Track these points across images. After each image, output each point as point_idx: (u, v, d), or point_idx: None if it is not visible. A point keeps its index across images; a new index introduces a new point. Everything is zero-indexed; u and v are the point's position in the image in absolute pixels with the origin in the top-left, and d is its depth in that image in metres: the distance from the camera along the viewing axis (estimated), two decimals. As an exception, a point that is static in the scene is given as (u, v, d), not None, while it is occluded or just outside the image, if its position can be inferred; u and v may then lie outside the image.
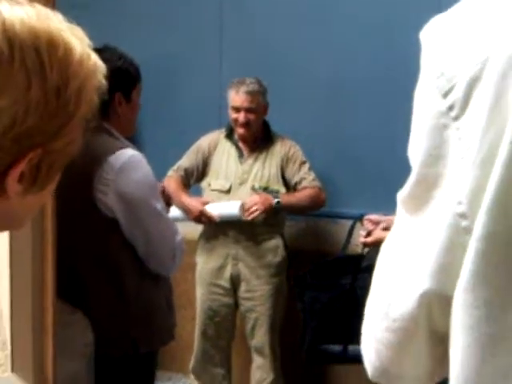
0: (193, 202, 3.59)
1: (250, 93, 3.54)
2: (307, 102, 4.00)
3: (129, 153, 2.27)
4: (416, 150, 0.76)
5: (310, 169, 3.68)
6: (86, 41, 0.83)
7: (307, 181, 3.65)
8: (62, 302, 2.01)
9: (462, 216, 0.71)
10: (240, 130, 3.62)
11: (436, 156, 0.73)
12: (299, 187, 3.66)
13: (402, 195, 0.79)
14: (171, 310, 2.50)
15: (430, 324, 0.78)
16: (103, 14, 4.49)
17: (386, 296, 0.81)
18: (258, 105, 3.59)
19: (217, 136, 3.77)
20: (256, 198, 3.52)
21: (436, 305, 0.76)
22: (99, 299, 2.31)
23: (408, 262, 0.77)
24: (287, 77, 4.01)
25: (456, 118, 0.71)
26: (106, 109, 2.32)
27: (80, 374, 1.97)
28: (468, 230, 0.70)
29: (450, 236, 0.72)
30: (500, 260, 0.68)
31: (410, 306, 0.77)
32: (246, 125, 3.58)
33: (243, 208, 3.50)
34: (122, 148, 2.27)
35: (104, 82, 0.84)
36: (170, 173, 3.75)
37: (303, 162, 3.68)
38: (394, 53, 3.66)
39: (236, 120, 3.59)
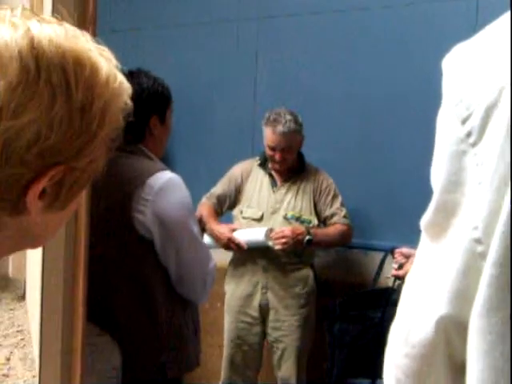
0: (221, 229, 3.60)
1: (286, 133, 3.53)
2: (340, 132, 4.01)
3: (168, 175, 2.28)
4: (437, 176, 0.77)
5: (342, 204, 3.68)
6: (114, 61, 0.85)
7: (338, 217, 3.66)
8: (91, 323, 2.01)
9: (478, 241, 0.71)
10: (275, 166, 3.65)
11: (455, 182, 0.74)
12: (330, 222, 3.66)
13: (424, 221, 0.80)
14: (198, 336, 2.49)
15: (448, 351, 0.78)
16: (141, 38, 4.56)
17: (406, 322, 0.82)
18: (295, 142, 3.59)
19: (250, 164, 3.78)
20: (288, 229, 3.52)
21: (453, 330, 0.76)
22: (129, 322, 2.31)
23: (427, 288, 0.78)
24: (320, 107, 4.02)
25: (474, 145, 0.72)
26: (142, 131, 2.35)
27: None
28: (483, 256, 0.70)
29: (466, 261, 0.72)
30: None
31: (428, 332, 0.77)
32: (283, 161, 3.60)
33: (269, 233, 3.50)
34: (161, 170, 2.29)
35: (130, 103, 0.85)
36: (203, 200, 3.77)
37: (336, 196, 3.68)
38: (430, 83, 3.66)
39: (272, 157, 3.61)
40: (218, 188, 3.78)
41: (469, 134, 0.72)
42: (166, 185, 2.25)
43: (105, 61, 0.82)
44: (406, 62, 3.81)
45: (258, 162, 3.75)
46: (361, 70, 3.96)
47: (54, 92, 0.76)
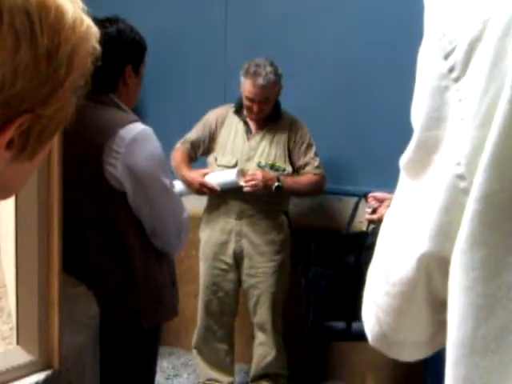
0: (193, 174, 3.60)
1: (265, 86, 3.50)
2: (314, 80, 3.99)
3: (139, 127, 2.26)
4: (417, 114, 0.76)
5: (316, 153, 3.68)
6: (80, 4, 0.81)
7: (311, 166, 3.66)
8: (66, 274, 2.01)
9: (461, 177, 0.70)
10: (252, 116, 3.62)
11: (437, 119, 0.73)
12: (303, 171, 3.66)
13: (403, 160, 0.79)
14: (175, 287, 2.50)
15: (429, 288, 0.78)
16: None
17: (386, 261, 0.82)
18: (273, 93, 3.57)
19: (225, 111, 3.75)
20: (259, 173, 3.52)
21: (435, 268, 0.75)
22: (105, 273, 2.31)
23: (408, 225, 0.77)
24: (294, 55, 3.98)
25: (457, 80, 0.71)
26: (115, 81, 2.31)
27: (85, 346, 1.97)
28: (466, 191, 0.70)
29: (448, 197, 0.72)
30: (496, 220, 0.68)
31: (409, 270, 0.77)
32: (259, 112, 3.58)
33: (241, 174, 3.50)
34: (132, 122, 2.26)
35: (98, 47, 0.82)
36: (177, 145, 3.75)
37: (310, 145, 3.67)
38: (405, 32, 3.63)
39: (250, 108, 3.58)
40: (193, 133, 3.75)
41: (451, 69, 0.71)
42: (137, 137, 2.22)
43: (70, 3, 0.79)
44: (380, 7, 3.78)
45: (233, 109, 3.72)
46: (334, 16, 3.92)
47: (17, 36, 0.73)
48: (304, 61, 3.99)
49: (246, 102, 3.57)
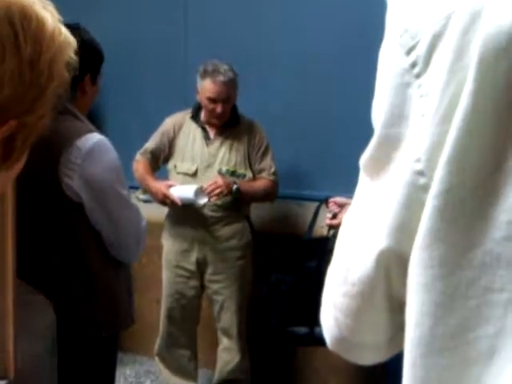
0: (157, 185, 3.58)
1: (227, 83, 3.49)
2: (273, 84, 3.99)
3: (96, 137, 2.23)
4: (378, 111, 0.75)
5: (272, 158, 3.66)
6: (57, 15, 0.83)
7: (267, 172, 3.65)
8: (23, 283, 1.98)
9: (420, 173, 0.70)
10: (213, 120, 3.60)
11: (398, 116, 0.72)
12: (258, 176, 3.66)
13: (364, 159, 0.78)
14: (131, 296, 2.49)
15: (388, 287, 0.77)
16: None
17: (344, 261, 0.81)
18: (233, 93, 3.56)
19: (182, 117, 3.73)
20: (219, 179, 3.51)
21: (394, 265, 0.75)
22: (62, 282, 2.29)
23: (366, 224, 0.77)
24: (252, 59, 3.98)
25: (418, 76, 0.71)
26: (74, 89, 2.29)
27: (42, 356, 1.95)
28: (426, 188, 0.69)
29: (407, 194, 0.71)
30: (455, 216, 0.68)
31: (369, 267, 0.76)
32: (221, 114, 3.56)
33: (200, 191, 3.49)
34: (89, 132, 2.24)
35: (74, 57, 0.84)
36: (138, 157, 3.73)
37: (266, 151, 3.66)
38: (366, 35, 3.66)
39: (213, 111, 3.54)
40: (151, 143, 3.73)
41: (413, 65, 0.71)
42: (94, 147, 2.20)
43: (49, 14, 0.81)
44: (342, 9, 3.80)
45: (190, 114, 3.70)
46: (294, 20, 3.93)
47: (3, 45, 0.74)
48: (264, 65, 4.00)
49: (208, 105, 3.54)
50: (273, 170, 3.66)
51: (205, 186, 3.48)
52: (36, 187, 2.19)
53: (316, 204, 3.27)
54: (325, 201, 3.10)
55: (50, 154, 2.14)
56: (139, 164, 3.69)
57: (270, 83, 3.99)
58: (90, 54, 2.29)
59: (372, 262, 0.75)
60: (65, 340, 2.17)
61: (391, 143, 0.73)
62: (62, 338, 2.14)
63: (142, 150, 3.73)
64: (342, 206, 3.14)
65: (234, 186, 3.51)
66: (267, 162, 3.66)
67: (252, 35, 4.03)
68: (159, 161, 3.73)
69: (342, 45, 3.78)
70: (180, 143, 3.68)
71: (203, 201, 3.48)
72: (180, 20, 4.24)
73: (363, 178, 0.80)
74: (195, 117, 3.68)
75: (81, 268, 2.29)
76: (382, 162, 0.75)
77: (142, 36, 4.34)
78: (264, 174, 3.65)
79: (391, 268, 0.75)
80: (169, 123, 3.72)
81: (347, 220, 0.83)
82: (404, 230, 0.72)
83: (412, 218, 0.71)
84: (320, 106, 3.90)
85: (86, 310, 2.31)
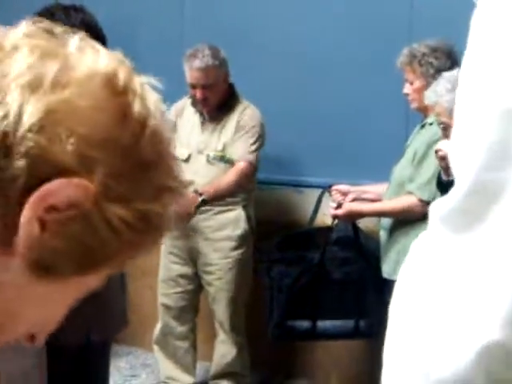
0: None
1: (203, 69, 3.39)
2: (273, 70, 3.88)
3: None
4: (469, 148, 0.56)
5: (251, 141, 3.49)
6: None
7: (238, 155, 3.47)
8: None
9: None
10: (199, 107, 3.52)
11: (502, 154, 0.54)
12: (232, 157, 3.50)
13: (443, 210, 0.59)
14: (125, 293, 2.38)
15: (488, 381, 0.58)
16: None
17: (425, 351, 0.61)
18: (215, 79, 3.43)
19: (182, 103, 3.64)
20: (182, 209, 3.36)
21: (501, 361, 0.57)
22: None
23: (461, 301, 0.58)
24: (252, 45, 3.89)
25: None
26: None
27: (29, 374, 1.83)
28: None
29: None
30: None
31: (465, 365, 0.57)
32: (204, 100, 3.46)
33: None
34: None
35: None
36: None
37: (247, 132, 3.50)
38: (361, 24, 3.56)
39: (193, 96, 3.49)
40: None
41: None
42: None
43: None
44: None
45: (190, 100, 3.60)
46: (297, 11, 3.82)
47: None
48: (263, 53, 3.89)
49: (190, 91, 3.48)
50: (247, 152, 3.47)
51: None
52: None
53: (317, 191, 3.16)
54: (327, 188, 2.99)
55: None
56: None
57: (271, 68, 3.88)
58: (93, 37, 2.15)
59: (471, 358, 0.57)
60: (54, 349, 2.04)
61: (489, 192, 0.55)
62: (50, 347, 2.01)
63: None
64: (346, 194, 3.05)
65: (200, 199, 3.33)
66: (242, 143, 3.48)
67: (253, 18, 3.92)
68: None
69: (344, 29, 3.69)
70: (179, 129, 3.58)
71: None
72: (178, 5, 4.13)
73: (440, 231, 0.60)
74: (194, 102, 3.58)
75: None
76: (474, 215, 0.56)
77: (138, 18, 4.23)
78: (235, 156, 3.47)
79: (496, 363, 0.57)
80: (172, 110, 3.58)
81: (414, 284, 0.62)
82: None
83: None
84: (321, 92, 3.79)
85: (75, 316, 2.14)
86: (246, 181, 3.53)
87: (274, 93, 3.84)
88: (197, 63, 3.38)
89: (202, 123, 3.56)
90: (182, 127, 3.58)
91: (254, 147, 3.50)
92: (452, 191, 0.56)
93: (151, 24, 4.21)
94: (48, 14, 2.12)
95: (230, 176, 3.48)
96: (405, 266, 0.62)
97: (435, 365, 0.59)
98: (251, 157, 3.49)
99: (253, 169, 3.52)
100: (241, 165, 3.47)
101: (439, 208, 0.59)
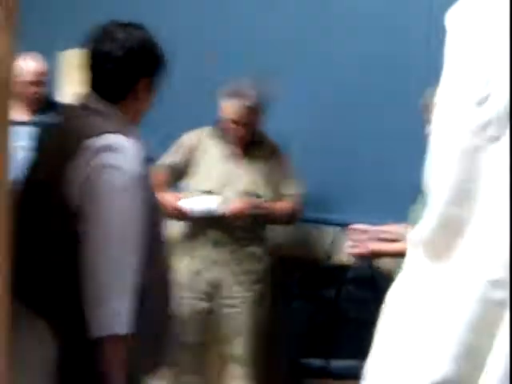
0: (167, 197, 3.48)
1: (251, 108, 3.46)
2: (298, 103, 3.90)
3: (116, 138, 2.02)
4: (437, 184, 0.58)
5: (296, 183, 3.60)
6: None
7: (290, 197, 3.59)
8: (22, 306, 1.85)
9: (496, 285, 0.53)
10: (232, 140, 3.55)
11: (463, 193, 0.54)
12: (282, 199, 3.60)
13: (419, 237, 0.62)
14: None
15: None
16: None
17: (392, 375, 0.62)
18: (258, 118, 3.52)
19: (199, 134, 3.65)
20: (244, 199, 3.46)
21: None
22: (63, 305, 2.09)
23: (422, 336, 0.58)
24: (283, 77, 3.89)
25: (495, 139, 0.52)
26: (123, 91, 2.10)
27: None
28: (504, 304, 0.52)
29: (479, 312, 0.54)
30: None
31: None
32: (242, 137, 3.53)
33: (222, 202, 3.42)
34: (108, 132, 2.02)
35: None
36: (155, 169, 3.62)
37: (291, 175, 3.61)
38: (397, 62, 3.56)
39: (235, 132, 3.52)
40: (169, 157, 3.64)
41: (487, 125, 0.51)
42: (105, 148, 1.99)
43: None
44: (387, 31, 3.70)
45: (210, 132, 3.62)
46: (330, 42, 3.87)
47: None
48: (292, 84, 3.89)
49: (230, 126, 3.50)
50: (297, 194, 3.59)
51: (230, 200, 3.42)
52: (43, 201, 2.06)
53: (333, 229, 3.16)
54: (345, 227, 3.00)
55: (61, 159, 2.01)
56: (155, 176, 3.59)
57: (294, 103, 3.88)
58: (146, 56, 2.13)
59: None
60: (68, 369, 2.01)
61: (454, 227, 0.56)
62: (64, 366, 1.99)
63: (158, 163, 3.63)
64: (362, 234, 3.04)
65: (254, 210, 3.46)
66: (291, 186, 3.60)
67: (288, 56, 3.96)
68: (175, 176, 3.64)
69: (373, 75, 3.71)
70: (197, 161, 3.59)
71: (218, 210, 3.41)
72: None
73: (420, 256, 0.62)
74: (215, 135, 3.60)
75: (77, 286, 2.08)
76: (444, 247, 0.57)
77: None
78: (288, 198, 3.58)
79: None
80: (186, 140, 3.64)
81: (396, 304, 0.65)
82: (470, 357, 0.54)
83: (483, 343, 0.53)
84: (344, 130, 3.83)
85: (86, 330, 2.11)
86: (292, 219, 3.64)
87: (296, 125, 3.83)
88: (246, 102, 3.44)
89: (225, 157, 3.57)
90: (200, 159, 3.59)
91: (299, 192, 3.59)
92: (424, 222, 0.56)
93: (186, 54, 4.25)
94: (107, 32, 2.08)
95: (284, 205, 3.57)
96: (391, 291, 0.63)
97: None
98: (299, 202, 3.59)
99: (300, 213, 3.62)
100: (292, 206, 3.58)
101: (418, 235, 0.61)
